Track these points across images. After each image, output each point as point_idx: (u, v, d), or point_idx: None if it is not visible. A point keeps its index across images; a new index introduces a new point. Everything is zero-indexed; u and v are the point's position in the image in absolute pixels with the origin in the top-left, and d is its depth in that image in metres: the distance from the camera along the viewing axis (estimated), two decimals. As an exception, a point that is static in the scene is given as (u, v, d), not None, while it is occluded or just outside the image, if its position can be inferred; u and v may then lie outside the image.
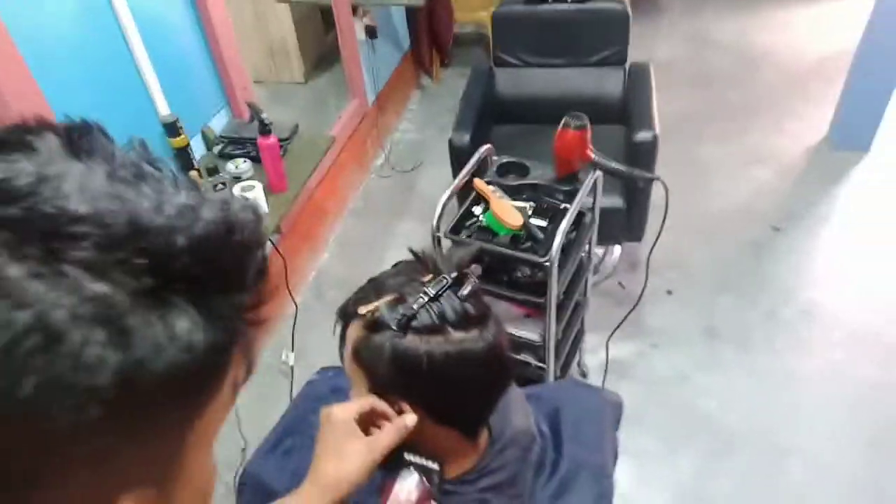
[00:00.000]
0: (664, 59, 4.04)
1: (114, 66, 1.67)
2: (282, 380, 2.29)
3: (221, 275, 0.33)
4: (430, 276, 0.77)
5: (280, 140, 2.01)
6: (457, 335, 0.73)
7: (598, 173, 1.71)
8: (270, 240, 2.26)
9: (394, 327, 0.72)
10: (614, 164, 1.62)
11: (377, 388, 0.76)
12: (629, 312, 1.88)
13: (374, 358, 0.74)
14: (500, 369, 0.79)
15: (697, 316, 2.49)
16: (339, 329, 0.81)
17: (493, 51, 2.63)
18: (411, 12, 3.73)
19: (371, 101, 3.30)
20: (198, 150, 1.98)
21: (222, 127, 2.10)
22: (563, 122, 1.62)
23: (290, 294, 2.27)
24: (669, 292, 2.60)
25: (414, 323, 0.72)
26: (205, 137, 2.04)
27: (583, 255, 1.93)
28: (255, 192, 1.74)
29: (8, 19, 1.33)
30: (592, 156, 1.64)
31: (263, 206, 1.77)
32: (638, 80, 2.46)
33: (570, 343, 2.00)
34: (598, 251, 2.77)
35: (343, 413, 0.74)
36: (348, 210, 3.16)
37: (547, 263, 1.52)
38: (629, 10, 2.41)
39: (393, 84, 3.64)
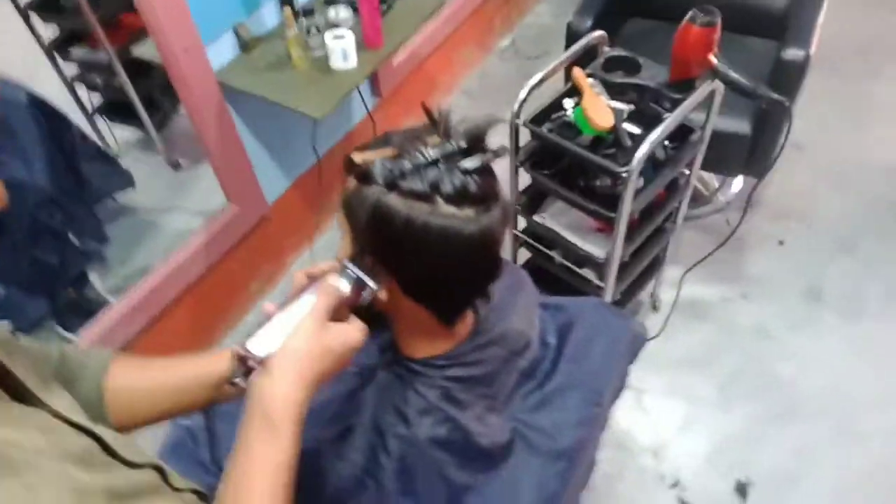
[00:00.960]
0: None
1: None
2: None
3: None
4: (438, 140, 0.68)
5: (386, -7, 1.90)
6: (446, 209, 0.66)
7: (718, 84, 1.48)
8: (367, 107, 2.21)
9: (380, 182, 0.66)
10: (736, 75, 1.39)
11: (358, 245, 0.71)
12: (715, 249, 1.69)
13: (358, 210, 0.68)
14: (487, 262, 0.71)
15: (804, 273, 2.22)
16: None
17: (648, -70, 2.29)
18: None
19: (508, -27, 3.05)
20: (306, -10, 1.92)
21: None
22: (688, 15, 1.39)
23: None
24: (781, 242, 2.33)
25: (402, 182, 0.65)
26: (314, -22, 1.96)
27: (682, 177, 1.74)
28: (346, 42, 1.67)
29: None
30: (714, 61, 1.41)
31: (352, 58, 1.71)
32: (811, -11, 2.07)
33: (642, 270, 1.85)
34: (715, 180, 2.51)
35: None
36: (460, 88, 3.03)
37: (624, 174, 1.36)
38: None
39: (539, -42, 3.34)
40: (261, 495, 0.58)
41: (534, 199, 1.73)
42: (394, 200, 0.66)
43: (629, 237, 1.59)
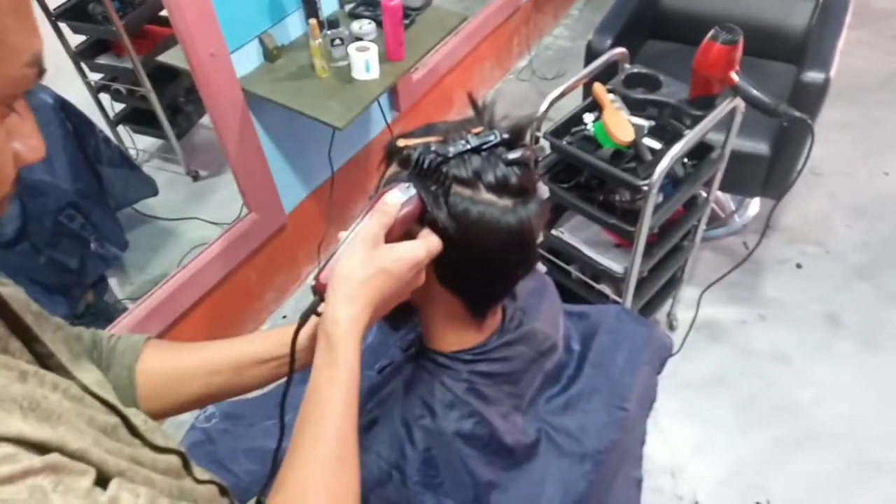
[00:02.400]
0: (883, 8, 3.42)
1: None
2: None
3: None
4: (481, 129, 0.69)
5: (410, 9, 1.93)
6: (487, 196, 0.66)
7: (739, 102, 1.49)
8: (386, 120, 2.23)
9: (423, 166, 0.66)
10: (757, 93, 1.39)
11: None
12: (731, 270, 1.69)
13: None
14: (523, 253, 0.71)
15: (823, 298, 2.20)
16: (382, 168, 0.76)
17: (668, -47, 2.32)
18: None
19: (529, -6, 3.09)
20: (331, 5, 1.95)
21: (361, -14, 2.05)
22: (710, 33, 1.40)
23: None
24: (799, 266, 2.32)
25: (444, 167, 0.66)
26: (340, -8, 2.00)
27: (700, 195, 1.73)
28: (369, 54, 1.70)
29: None
30: (735, 78, 1.41)
31: (375, 70, 1.73)
32: (830, 14, 2.08)
33: (660, 288, 1.83)
34: (731, 202, 2.50)
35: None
36: (477, 105, 3.05)
37: (645, 188, 1.36)
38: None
39: (559, -18, 3.39)
40: (331, 412, 0.58)
41: (552, 214, 1.73)
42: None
43: (647, 253, 1.59)
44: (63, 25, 2.31)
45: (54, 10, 2.26)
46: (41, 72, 0.45)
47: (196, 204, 2.53)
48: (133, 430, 0.56)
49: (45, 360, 0.54)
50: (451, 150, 0.66)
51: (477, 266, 0.70)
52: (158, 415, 0.70)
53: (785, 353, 2.07)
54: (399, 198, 0.65)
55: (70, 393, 0.50)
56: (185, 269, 1.89)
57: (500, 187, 0.67)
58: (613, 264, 1.63)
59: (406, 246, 0.63)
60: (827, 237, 2.38)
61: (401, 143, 0.69)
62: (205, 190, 2.61)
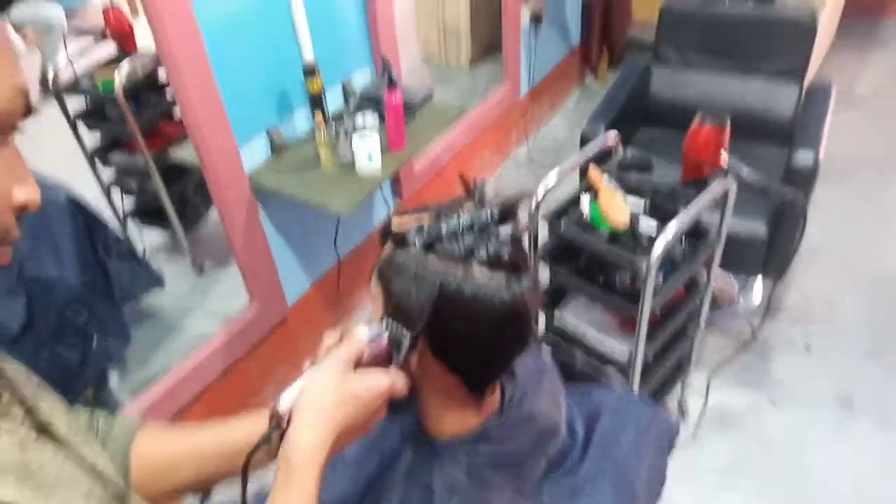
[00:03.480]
0: (864, 93, 3.57)
1: (269, 10, 1.77)
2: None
3: None
4: (473, 206, 0.71)
5: (411, 103, 2.02)
6: (480, 273, 0.68)
7: (731, 183, 1.52)
8: (389, 208, 2.29)
9: (417, 244, 0.68)
10: (748, 173, 1.43)
11: (389, 309, 0.71)
12: (737, 353, 1.67)
13: (392, 273, 0.70)
14: (518, 329, 0.71)
15: (834, 380, 2.16)
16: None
17: (655, 46, 2.45)
18: (586, 7, 3.61)
19: (525, 89, 3.24)
20: (336, 100, 2.05)
21: (364, 84, 2.16)
22: (697, 118, 1.46)
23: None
24: (807, 348, 2.28)
25: (437, 245, 0.68)
26: (344, 90, 2.11)
27: (701, 278, 1.74)
28: (370, 143, 1.76)
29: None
30: (725, 160, 1.45)
31: (377, 160, 1.79)
32: (815, 100, 2.17)
33: (667, 373, 1.80)
34: (735, 287, 2.50)
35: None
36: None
37: (643, 267, 1.37)
38: (818, 19, 2.12)
39: (554, 77, 3.55)
40: None
41: (554, 296, 1.74)
42: (430, 261, 0.68)
43: (651, 336, 1.57)
44: (81, 126, 2.41)
45: (74, 112, 2.38)
46: (29, 107, 0.47)
47: (200, 296, 2.54)
48: None
49: (43, 429, 0.54)
50: (444, 227, 0.68)
51: (472, 342, 0.70)
52: (152, 499, 0.68)
53: (799, 438, 2.00)
54: (367, 331, 0.68)
55: (67, 464, 0.50)
56: (186, 362, 1.88)
57: (492, 263, 0.68)
58: (618, 347, 1.61)
59: (377, 374, 0.65)
60: (832, 316, 2.37)
61: (395, 222, 0.70)
62: (209, 283, 2.63)
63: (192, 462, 0.71)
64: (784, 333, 2.32)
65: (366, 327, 0.68)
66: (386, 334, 0.68)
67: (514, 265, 0.69)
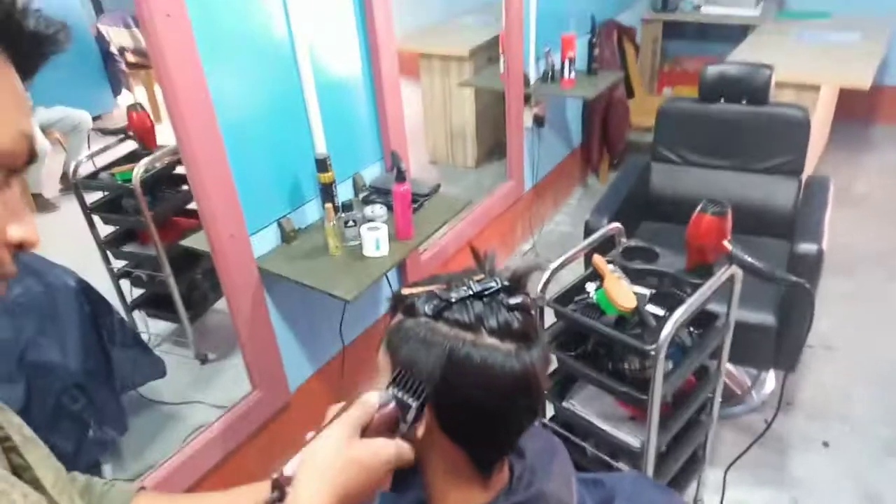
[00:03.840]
0: (861, 192, 3.66)
1: (286, 105, 1.86)
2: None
3: None
4: (483, 277, 0.72)
5: (418, 195, 2.08)
6: (489, 340, 0.67)
7: (736, 270, 1.53)
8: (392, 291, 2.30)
9: (426, 312, 0.68)
10: (752, 260, 1.44)
11: (396, 379, 0.70)
12: (751, 445, 1.61)
13: (400, 341, 0.69)
14: (528, 400, 0.70)
15: (856, 477, 2.06)
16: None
17: (654, 146, 2.54)
18: (587, 110, 3.78)
19: (528, 186, 3.33)
20: (347, 193, 2.11)
21: (373, 177, 2.24)
22: (700, 206, 1.49)
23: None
24: (826, 444, 2.20)
25: (447, 313, 0.68)
26: (354, 183, 2.17)
27: (711, 367, 1.71)
28: (380, 233, 1.80)
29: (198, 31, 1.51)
30: (729, 247, 1.47)
31: (385, 247, 1.82)
32: (814, 191, 2.22)
33: (681, 466, 1.73)
34: (747, 379, 2.45)
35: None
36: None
37: (652, 352, 1.36)
38: (810, 117, 2.21)
39: (556, 175, 3.67)
40: None
41: (562, 385, 1.70)
42: (439, 328, 0.67)
43: (663, 426, 1.53)
44: (96, 217, 2.48)
45: (91, 204, 2.45)
46: (33, 153, 0.47)
47: (201, 387, 2.50)
48: None
49: (20, 472, 0.52)
50: (454, 295, 0.68)
51: (480, 412, 0.69)
52: None
53: (827, 540, 1.89)
54: (377, 397, 0.67)
55: None
56: (183, 450, 1.82)
57: (502, 332, 0.67)
58: (629, 437, 1.56)
59: (383, 442, 0.65)
60: (849, 411, 2.30)
61: (405, 291, 0.71)
62: (211, 373, 2.60)
63: None
64: (802, 429, 2.25)
65: (376, 393, 0.67)
66: (394, 402, 0.67)
67: (525, 335, 0.69)
